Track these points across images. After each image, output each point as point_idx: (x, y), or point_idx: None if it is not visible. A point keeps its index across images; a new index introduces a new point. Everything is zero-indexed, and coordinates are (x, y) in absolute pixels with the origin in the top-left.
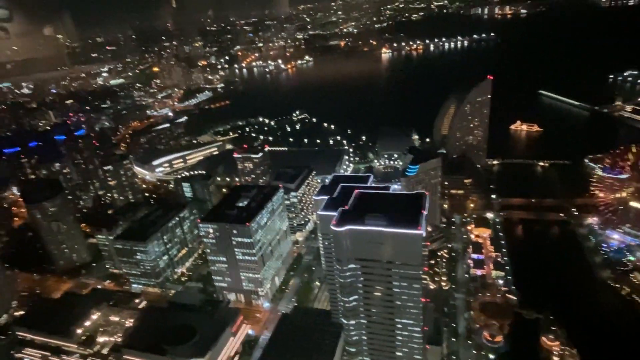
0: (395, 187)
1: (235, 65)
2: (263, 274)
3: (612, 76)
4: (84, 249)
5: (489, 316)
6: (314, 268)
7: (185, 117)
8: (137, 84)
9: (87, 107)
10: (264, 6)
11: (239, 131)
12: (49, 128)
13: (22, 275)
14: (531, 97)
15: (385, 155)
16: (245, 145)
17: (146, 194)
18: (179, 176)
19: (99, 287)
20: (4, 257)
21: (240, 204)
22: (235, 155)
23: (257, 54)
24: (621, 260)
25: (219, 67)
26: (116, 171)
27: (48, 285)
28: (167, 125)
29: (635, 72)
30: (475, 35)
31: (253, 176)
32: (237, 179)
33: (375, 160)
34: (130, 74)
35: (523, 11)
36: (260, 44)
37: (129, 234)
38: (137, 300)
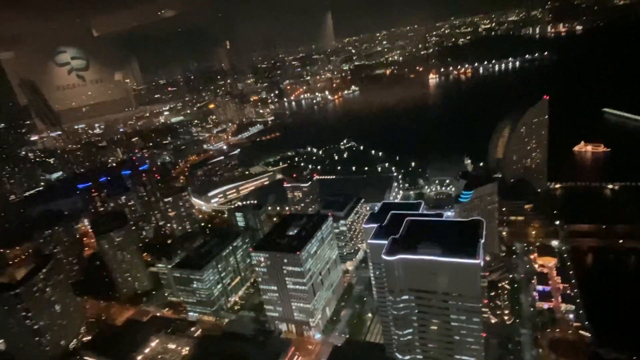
0: (449, 215)
1: (285, 99)
2: (314, 304)
3: None
4: (145, 277)
5: (560, 355)
6: (365, 299)
7: (239, 150)
8: (195, 120)
9: (150, 144)
10: (311, 41)
11: (289, 161)
12: (115, 164)
13: (90, 302)
14: (594, 116)
15: (437, 181)
16: (294, 175)
17: (202, 224)
18: (232, 206)
19: (158, 314)
20: (75, 284)
21: (291, 233)
22: (285, 184)
23: (304, 87)
24: None
25: (269, 101)
26: (175, 203)
27: (113, 312)
28: (222, 158)
29: None
30: (527, 55)
31: (302, 205)
32: (287, 208)
33: (426, 187)
34: (188, 111)
35: (578, 27)
36: (308, 77)
37: (185, 262)
38: (193, 329)
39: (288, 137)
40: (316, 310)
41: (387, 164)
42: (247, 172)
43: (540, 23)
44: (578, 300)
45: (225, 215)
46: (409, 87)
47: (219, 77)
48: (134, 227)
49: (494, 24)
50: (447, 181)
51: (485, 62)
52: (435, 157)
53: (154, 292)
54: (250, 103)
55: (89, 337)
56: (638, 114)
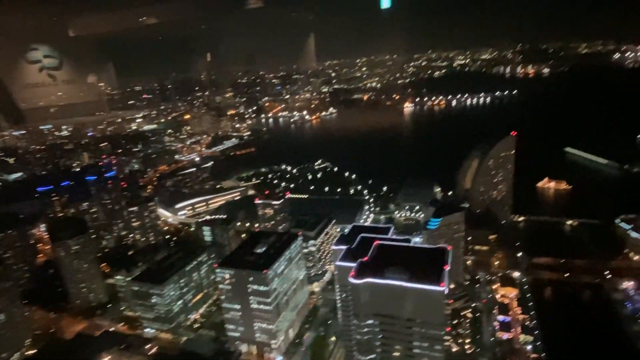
0: (417, 240)
1: (262, 115)
2: (277, 325)
3: None
4: (102, 289)
5: None
6: (330, 322)
7: (211, 162)
8: (169, 130)
9: (119, 150)
10: (292, 61)
11: (262, 178)
12: (81, 169)
13: (39, 313)
14: (558, 154)
15: (407, 207)
16: (266, 192)
17: (167, 237)
18: (200, 220)
19: (112, 329)
20: (24, 293)
21: (258, 251)
22: (257, 201)
23: (283, 105)
24: None
25: (247, 116)
26: (140, 213)
27: (63, 325)
28: (193, 169)
29: None
30: (497, 93)
31: (273, 223)
32: (256, 225)
33: (397, 212)
34: (162, 120)
35: (545, 70)
36: (287, 96)
37: (146, 276)
38: (148, 346)
39: (263, 153)
40: (279, 331)
41: (359, 187)
42: (218, 186)
43: (510, 64)
44: (536, 332)
45: (192, 229)
46: (385, 113)
47: (197, 88)
48: (94, 236)
49: (468, 61)
50: (417, 207)
51: (458, 96)
52: (407, 183)
53: (109, 306)
54: (227, 117)
55: (34, 351)
56: (597, 155)
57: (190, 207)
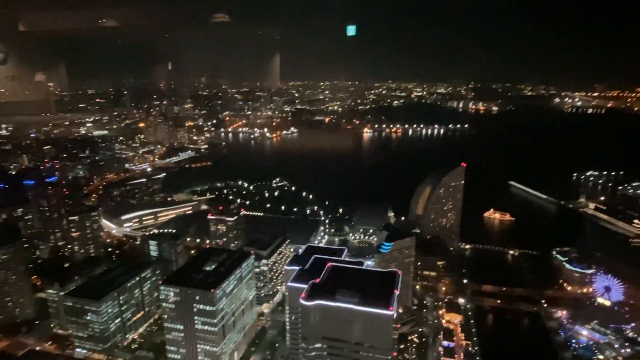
0: (369, 263)
1: (222, 129)
2: (222, 348)
3: (575, 174)
4: (30, 303)
5: None
6: (277, 345)
7: (164, 174)
8: (121, 137)
9: (64, 155)
10: (256, 78)
11: (216, 193)
12: (18, 172)
13: None
14: (502, 187)
15: (361, 230)
16: (220, 207)
17: (109, 249)
18: (147, 233)
19: (38, 348)
20: None
21: (208, 268)
22: (209, 216)
23: (244, 121)
24: (590, 359)
25: (206, 129)
26: (81, 222)
27: None
28: (144, 180)
29: (596, 173)
30: (450, 125)
31: (225, 239)
32: (207, 241)
33: (351, 234)
34: (115, 126)
35: (494, 108)
36: (249, 112)
37: (82, 291)
38: None
39: (220, 167)
40: (223, 354)
41: (316, 207)
42: (169, 199)
43: (463, 99)
44: (478, 358)
45: (138, 242)
46: (345, 137)
47: (155, 96)
48: (26, 245)
49: (425, 93)
50: (371, 231)
51: (415, 125)
52: (362, 207)
53: (37, 322)
54: (185, 128)
55: None
56: (537, 190)
57: (137, 220)
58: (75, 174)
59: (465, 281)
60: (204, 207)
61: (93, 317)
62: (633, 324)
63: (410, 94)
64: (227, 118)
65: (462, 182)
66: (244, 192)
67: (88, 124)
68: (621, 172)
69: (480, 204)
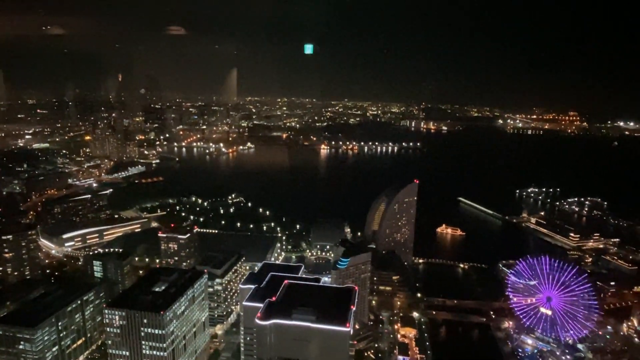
0: (326, 280)
1: (175, 143)
2: None
3: (518, 191)
4: None
5: None
6: None
7: (111, 190)
8: (63, 150)
9: None
10: (212, 92)
11: (168, 209)
12: None
13: None
14: (453, 203)
15: (318, 246)
16: (172, 225)
17: (48, 271)
18: (91, 253)
19: None
20: None
21: (157, 289)
22: (160, 234)
23: (199, 135)
24: None
25: (157, 143)
26: (16, 242)
27: None
28: (88, 196)
29: (536, 190)
30: (404, 144)
31: (177, 258)
32: (157, 261)
33: (308, 250)
34: (58, 139)
35: (444, 128)
36: (204, 127)
37: (15, 317)
38: None
39: (172, 183)
40: None
41: (272, 224)
42: (116, 216)
43: (415, 118)
44: None
45: (80, 263)
46: (302, 153)
47: (103, 108)
48: None
49: (379, 112)
50: (328, 247)
51: (370, 143)
52: (319, 223)
53: None
54: (135, 142)
55: None
56: (483, 205)
57: (80, 238)
58: (10, 189)
59: (419, 295)
60: (154, 224)
61: (27, 346)
62: (572, 332)
63: (365, 112)
64: (181, 132)
65: (415, 198)
66: (198, 209)
67: (27, 136)
68: (558, 189)
69: (432, 219)
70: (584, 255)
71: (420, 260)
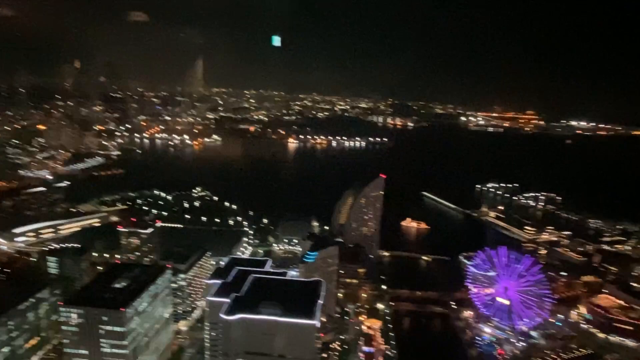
0: (293, 274)
1: (137, 135)
2: None
3: (478, 186)
4: None
5: None
6: None
7: (67, 183)
8: (13, 140)
9: None
10: (177, 83)
11: (129, 203)
12: None
13: None
14: (417, 197)
15: (286, 240)
16: (133, 219)
17: None
18: (46, 248)
19: None
20: None
21: (117, 285)
22: (120, 228)
23: (162, 126)
24: (492, 353)
25: (118, 133)
26: None
27: None
28: (43, 189)
29: (496, 185)
30: (371, 139)
31: (138, 254)
32: (117, 256)
33: (275, 245)
34: (8, 128)
35: (410, 124)
36: (168, 117)
37: None
38: None
39: (133, 176)
40: None
41: (239, 218)
42: (73, 210)
43: (383, 114)
44: None
45: (34, 259)
46: (270, 146)
47: (58, 96)
48: None
49: (348, 107)
50: (296, 241)
51: (338, 137)
52: (287, 217)
53: None
54: (93, 132)
55: None
56: (447, 200)
57: (33, 233)
58: None
59: (384, 287)
60: (114, 218)
61: None
62: (526, 320)
63: (334, 106)
64: (143, 123)
65: (382, 192)
66: (161, 203)
67: None
68: (516, 185)
69: (398, 213)
70: (538, 247)
71: (386, 253)
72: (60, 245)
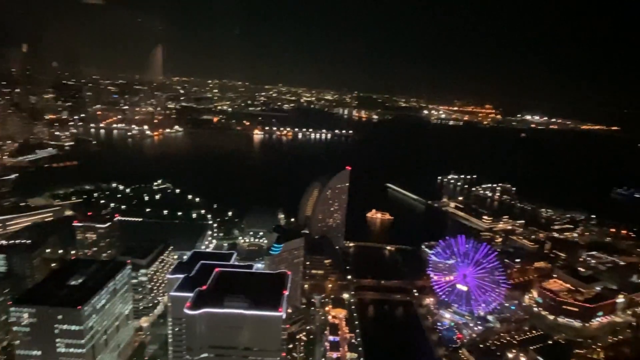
0: (259, 266)
1: (92, 124)
2: None
3: (440, 177)
4: None
5: None
6: None
7: (16, 175)
8: None
9: None
10: (135, 70)
11: (85, 196)
12: None
13: None
14: (382, 189)
15: (251, 233)
16: (89, 213)
17: None
18: None
19: None
20: None
21: (73, 283)
22: (76, 223)
23: (120, 116)
24: (452, 338)
25: (71, 123)
26: None
27: None
28: None
29: (456, 176)
30: (337, 131)
31: (95, 249)
32: (73, 252)
33: (241, 237)
34: None
35: (375, 116)
36: (126, 107)
37: None
38: None
39: (89, 167)
40: None
41: (203, 211)
42: (23, 204)
43: (348, 107)
44: (360, 349)
45: None
46: (234, 138)
47: (3, 82)
48: None
49: (314, 99)
50: (261, 233)
51: (304, 129)
52: (253, 209)
53: None
54: (44, 121)
55: None
56: (410, 191)
57: None
58: None
59: (349, 277)
60: (68, 212)
61: None
62: (483, 305)
63: (300, 98)
64: (99, 112)
65: (347, 184)
66: (119, 196)
67: None
68: (474, 176)
69: (363, 204)
70: (494, 235)
71: (351, 244)
72: (9, 241)
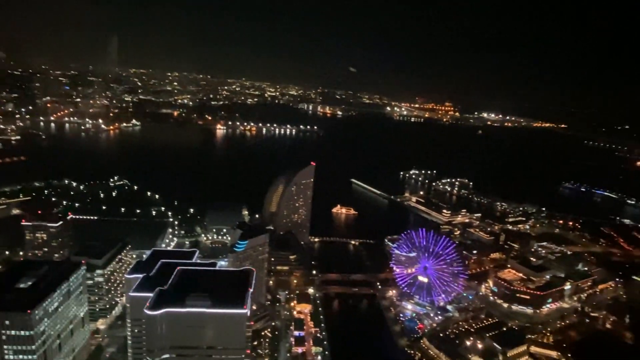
0: (223, 264)
1: (42, 117)
2: None
3: (402, 173)
4: None
5: None
6: None
7: None
8: None
9: None
10: (88, 61)
11: (34, 194)
12: None
13: None
14: (346, 184)
15: (214, 230)
16: (39, 211)
17: None
18: None
19: None
20: None
21: (22, 285)
22: (24, 222)
23: (72, 109)
24: (413, 328)
25: (18, 116)
26: None
27: None
28: None
29: (417, 172)
30: (301, 126)
31: (46, 250)
32: (21, 253)
33: (203, 235)
34: None
35: (339, 113)
36: (79, 99)
37: None
38: None
39: (39, 163)
40: None
41: (163, 208)
42: None
43: (312, 102)
44: (325, 342)
45: None
46: (196, 132)
47: None
48: None
49: (278, 94)
50: (225, 230)
51: (268, 125)
52: (215, 206)
53: None
54: None
55: None
56: (373, 186)
57: None
58: None
59: (314, 272)
60: (15, 211)
61: None
62: (443, 295)
63: (264, 93)
64: (49, 105)
65: (312, 180)
66: (72, 193)
67: None
68: (434, 171)
69: (328, 200)
70: (453, 228)
71: (316, 239)
72: None
